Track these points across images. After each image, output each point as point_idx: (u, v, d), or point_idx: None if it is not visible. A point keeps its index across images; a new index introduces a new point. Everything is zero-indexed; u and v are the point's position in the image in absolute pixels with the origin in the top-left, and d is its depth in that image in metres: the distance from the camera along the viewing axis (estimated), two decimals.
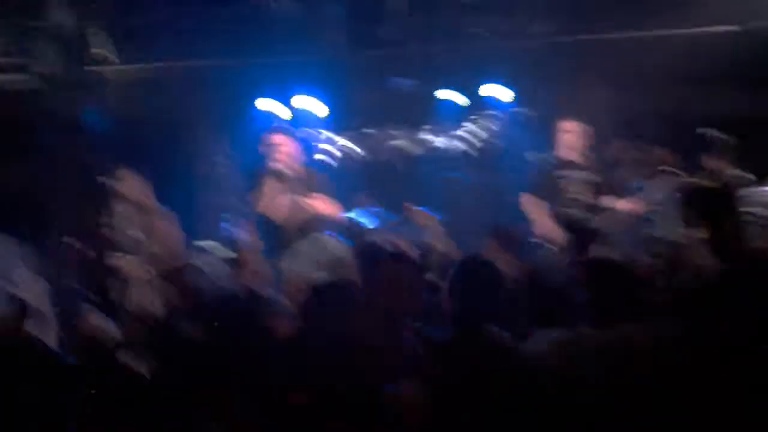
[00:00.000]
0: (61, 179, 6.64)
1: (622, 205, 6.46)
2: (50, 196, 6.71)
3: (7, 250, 5.89)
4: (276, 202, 6.35)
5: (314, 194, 6.51)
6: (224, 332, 3.83)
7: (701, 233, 5.89)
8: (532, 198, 6.66)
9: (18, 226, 6.83)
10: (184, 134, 8.49)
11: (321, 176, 6.77)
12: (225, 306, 4.06)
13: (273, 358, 3.59)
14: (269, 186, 6.37)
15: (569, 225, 5.91)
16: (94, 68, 7.56)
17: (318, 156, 8.18)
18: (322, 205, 6.50)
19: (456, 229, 6.05)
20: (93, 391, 3.67)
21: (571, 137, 6.66)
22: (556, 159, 6.70)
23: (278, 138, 6.53)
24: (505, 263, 4.97)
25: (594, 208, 6.49)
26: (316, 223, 6.30)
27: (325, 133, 8.34)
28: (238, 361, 3.61)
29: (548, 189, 6.60)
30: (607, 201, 6.47)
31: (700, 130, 7.09)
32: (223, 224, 7.14)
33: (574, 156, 6.64)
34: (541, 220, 6.53)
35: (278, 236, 6.36)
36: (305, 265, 5.24)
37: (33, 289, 4.66)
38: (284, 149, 6.49)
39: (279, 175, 6.39)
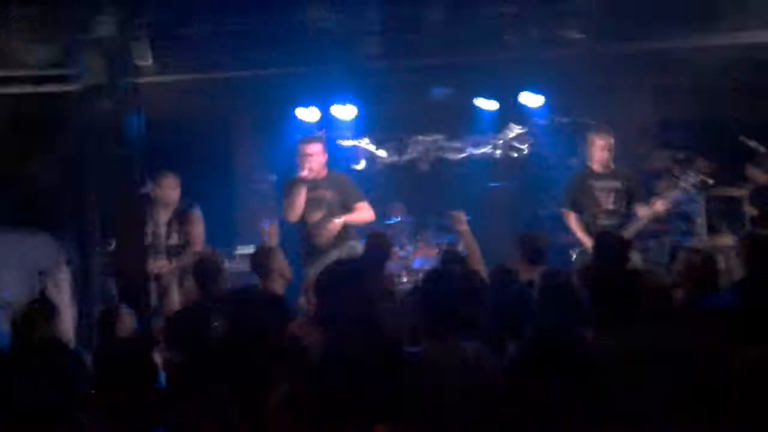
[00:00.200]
0: (103, 184, 6.80)
1: (653, 213, 6.43)
2: (93, 199, 6.89)
3: (43, 246, 6.11)
4: (298, 205, 6.39)
5: (357, 202, 6.55)
6: (238, 330, 3.87)
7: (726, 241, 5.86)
8: (567, 207, 6.69)
9: (59, 226, 7.07)
10: (223, 141, 8.65)
11: (354, 183, 6.77)
12: (240, 304, 4.11)
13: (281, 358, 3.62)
14: (297, 193, 6.42)
15: (598, 234, 5.92)
16: (137, 78, 7.74)
17: (353, 164, 8.27)
18: (364, 213, 6.54)
19: (487, 235, 6.07)
20: (93, 392, 3.71)
21: (601, 151, 6.64)
22: (589, 169, 6.68)
23: (311, 147, 6.55)
24: (525, 270, 5.01)
25: (625, 217, 6.48)
26: (348, 231, 6.37)
27: (361, 141, 8.42)
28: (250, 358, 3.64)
29: (582, 198, 6.61)
30: (639, 210, 6.45)
31: (741, 139, 7.03)
32: (258, 229, 7.30)
33: (606, 166, 6.61)
34: (577, 228, 6.57)
35: (310, 243, 6.43)
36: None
37: (62, 286, 4.80)
38: (316, 158, 6.51)
39: (309, 184, 6.43)
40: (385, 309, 4.00)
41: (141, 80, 7.92)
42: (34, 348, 4.37)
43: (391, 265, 7.09)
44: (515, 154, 8.76)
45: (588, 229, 6.48)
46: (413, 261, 7.51)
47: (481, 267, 5.38)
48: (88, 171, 7.30)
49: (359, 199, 6.58)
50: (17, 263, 5.97)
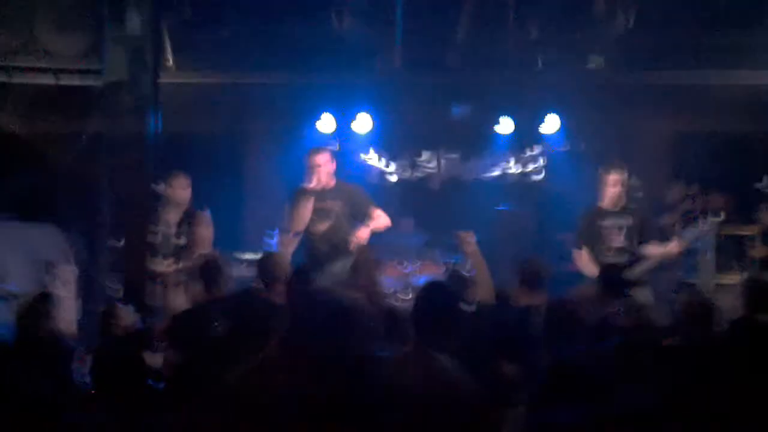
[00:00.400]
0: (116, 180, 6.84)
1: (666, 253, 6.32)
2: (104, 194, 6.94)
3: (50, 239, 6.15)
4: (303, 214, 6.38)
5: (370, 209, 6.52)
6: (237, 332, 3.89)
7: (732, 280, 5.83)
8: (576, 246, 6.59)
9: (70, 219, 7.12)
10: (239, 145, 8.69)
11: (364, 192, 6.75)
12: (239, 307, 4.14)
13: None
14: (303, 204, 6.42)
15: (604, 271, 5.86)
16: (160, 76, 7.80)
17: (366, 177, 8.26)
18: (382, 219, 6.52)
19: (496, 258, 6.04)
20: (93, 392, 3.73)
21: (614, 184, 6.56)
22: (598, 207, 6.60)
23: (318, 158, 6.54)
24: (524, 296, 4.99)
25: (635, 255, 6.38)
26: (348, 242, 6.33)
27: (375, 154, 8.41)
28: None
29: (591, 236, 6.51)
30: (650, 249, 6.34)
31: (757, 186, 6.98)
32: (265, 236, 7.30)
33: (616, 203, 6.53)
34: (585, 265, 6.46)
35: (314, 254, 6.41)
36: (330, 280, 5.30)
37: (67, 280, 4.82)
38: (324, 169, 6.50)
39: (312, 194, 6.42)
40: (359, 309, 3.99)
41: (161, 79, 7.97)
42: (35, 341, 4.39)
43: (393, 281, 7.08)
44: (530, 179, 8.74)
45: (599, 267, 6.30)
46: (417, 278, 7.48)
47: (489, 289, 5.35)
48: (102, 166, 7.35)
49: (371, 206, 6.56)
50: (23, 254, 6.00)
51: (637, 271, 6.17)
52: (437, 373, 3.29)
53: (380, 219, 6.48)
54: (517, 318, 4.66)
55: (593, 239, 6.45)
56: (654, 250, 6.28)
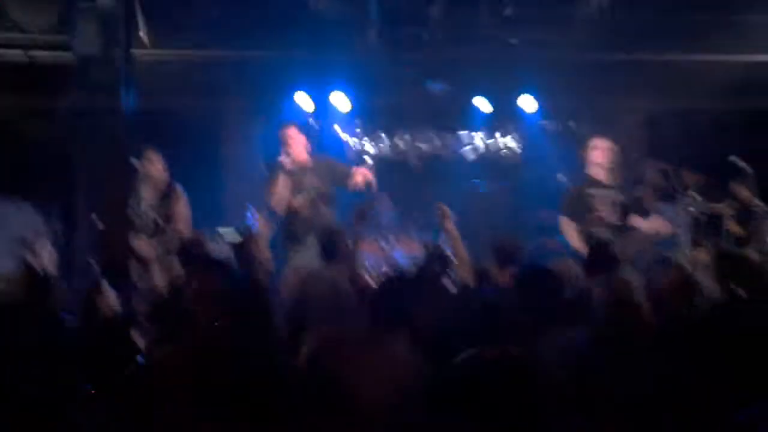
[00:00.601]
0: (91, 157, 6.77)
1: (649, 226, 6.35)
2: (80, 172, 6.87)
3: (26, 217, 6.08)
4: (284, 195, 6.37)
5: (351, 168, 6.52)
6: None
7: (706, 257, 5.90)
8: (563, 215, 6.56)
9: (45, 197, 7.04)
10: (216, 121, 8.63)
11: (339, 161, 6.76)
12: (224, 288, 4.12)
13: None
14: (278, 180, 6.41)
15: (592, 245, 5.86)
16: (133, 51, 7.69)
17: (345, 154, 8.25)
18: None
19: (468, 236, 6.06)
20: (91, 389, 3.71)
21: (601, 155, 6.56)
22: (586, 176, 6.58)
23: (291, 132, 6.54)
24: (499, 274, 5.01)
25: (620, 228, 6.39)
26: (325, 213, 6.35)
27: (352, 130, 8.40)
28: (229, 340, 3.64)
29: (580, 209, 6.51)
30: (635, 221, 6.36)
31: (731, 158, 7.04)
32: (245, 212, 7.27)
33: (603, 174, 6.54)
34: (571, 236, 6.45)
35: (291, 228, 6.42)
36: (308, 258, 5.30)
37: (45, 256, 4.77)
38: (296, 144, 6.50)
39: (287, 170, 6.41)
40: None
41: (136, 53, 7.87)
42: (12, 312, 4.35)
43: (371, 258, 7.09)
44: (508, 156, 8.77)
45: (587, 241, 6.25)
46: (393, 253, 7.50)
47: (467, 267, 5.37)
48: (78, 143, 7.27)
49: (350, 168, 6.56)
50: (1, 233, 5.94)
51: (628, 250, 6.13)
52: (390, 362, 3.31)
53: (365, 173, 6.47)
54: (499, 298, 4.69)
55: (581, 209, 6.41)
56: (644, 225, 6.25)
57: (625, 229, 6.34)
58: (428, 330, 3.51)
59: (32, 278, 4.61)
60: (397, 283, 4.02)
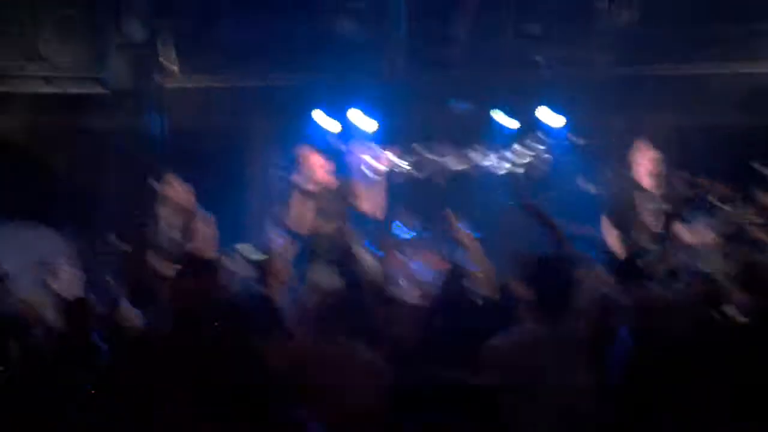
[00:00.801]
0: (113, 181, 6.89)
1: (692, 236, 6.17)
2: (101, 195, 6.98)
3: (48, 241, 6.18)
4: (301, 215, 6.39)
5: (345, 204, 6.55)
6: (230, 332, 3.90)
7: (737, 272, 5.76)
8: (607, 221, 6.39)
9: (66, 220, 7.16)
10: (241, 144, 8.72)
11: (361, 188, 6.77)
12: (237, 307, 4.15)
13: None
14: (294, 200, 6.43)
15: (631, 253, 5.75)
16: (162, 80, 7.84)
17: (364, 169, 8.25)
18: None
19: (494, 250, 6.02)
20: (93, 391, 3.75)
21: (647, 162, 6.41)
22: (632, 182, 6.41)
23: (306, 153, 6.57)
24: (519, 288, 4.95)
25: (663, 237, 6.22)
26: (347, 233, 6.35)
27: (374, 148, 8.39)
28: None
29: (627, 216, 6.37)
30: (678, 231, 6.16)
31: (755, 165, 6.92)
32: (266, 231, 7.32)
33: (648, 182, 6.37)
34: (611, 237, 6.30)
35: (314, 248, 6.43)
36: (328, 276, 5.30)
37: (68, 280, 4.84)
38: (311, 164, 6.53)
39: (302, 190, 6.44)
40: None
41: (167, 84, 8.02)
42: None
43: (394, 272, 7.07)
44: (534, 172, 8.71)
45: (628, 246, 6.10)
46: (414, 266, 7.47)
47: (491, 283, 5.32)
48: (107, 170, 7.40)
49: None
50: (25, 257, 6.06)
51: (668, 258, 5.93)
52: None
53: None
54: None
55: (630, 219, 6.24)
56: (687, 235, 6.07)
57: (668, 237, 6.18)
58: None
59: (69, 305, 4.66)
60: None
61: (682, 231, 6.17)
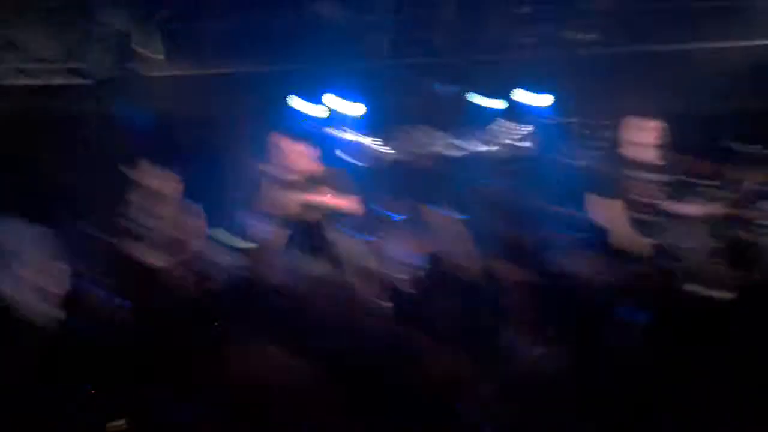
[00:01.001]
0: (89, 170, 6.84)
1: (697, 209, 6.03)
2: (75, 185, 6.92)
3: (23, 234, 6.11)
4: (279, 200, 6.36)
5: (326, 191, 6.51)
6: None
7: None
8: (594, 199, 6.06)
9: (41, 212, 7.08)
10: (220, 133, 8.67)
11: (341, 175, 6.73)
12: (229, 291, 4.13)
13: None
14: (268, 187, 6.38)
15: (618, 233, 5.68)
16: (137, 67, 7.78)
17: (345, 155, 8.23)
18: (334, 201, 6.48)
19: (479, 233, 5.99)
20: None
21: (647, 134, 6.23)
22: (624, 157, 6.26)
23: (289, 141, 6.52)
24: (508, 271, 4.94)
25: (666, 212, 6.08)
26: (329, 220, 6.32)
27: (356, 134, 8.39)
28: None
29: (617, 183, 6.09)
30: (666, 209, 6.03)
31: (725, 142, 6.88)
32: (247, 219, 7.28)
33: (650, 155, 6.21)
34: (614, 222, 6.02)
35: (301, 237, 6.40)
36: (312, 263, 5.25)
37: (46, 272, 4.77)
38: (293, 152, 6.48)
39: (284, 178, 6.40)
40: None
41: (146, 73, 7.96)
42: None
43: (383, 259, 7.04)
44: (520, 154, 8.69)
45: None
46: (398, 250, 7.43)
47: (474, 265, 5.29)
48: (89, 162, 7.34)
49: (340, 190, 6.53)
50: (11, 253, 5.99)
51: (673, 229, 5.77)
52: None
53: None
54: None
55: (619, 189, 6.03)
56: (692, 208, 5.93)
57: (656, 215, 6.03)
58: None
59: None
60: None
61: (671, 208, 6.10)
